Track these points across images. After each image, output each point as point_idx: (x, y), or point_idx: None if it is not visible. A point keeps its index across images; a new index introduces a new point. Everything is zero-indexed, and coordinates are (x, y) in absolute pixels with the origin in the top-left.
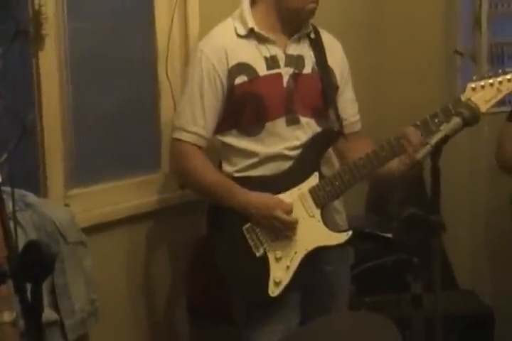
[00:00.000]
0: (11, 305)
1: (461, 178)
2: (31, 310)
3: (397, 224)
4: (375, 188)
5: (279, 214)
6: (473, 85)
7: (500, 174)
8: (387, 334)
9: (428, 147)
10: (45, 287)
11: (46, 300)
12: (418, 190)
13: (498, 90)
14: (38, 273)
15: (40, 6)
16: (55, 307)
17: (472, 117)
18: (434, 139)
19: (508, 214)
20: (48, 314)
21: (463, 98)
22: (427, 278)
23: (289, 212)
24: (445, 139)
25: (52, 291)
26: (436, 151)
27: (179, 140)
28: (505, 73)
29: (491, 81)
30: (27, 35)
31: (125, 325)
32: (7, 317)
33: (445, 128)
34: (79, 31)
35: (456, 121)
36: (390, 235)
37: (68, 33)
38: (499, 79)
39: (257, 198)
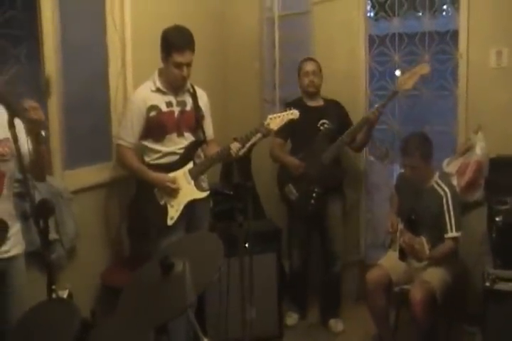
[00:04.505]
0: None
1: (263, 163)
2: (43, 233)
3: (233, 187)
4: (224, 168)
5: (168, 184)
6: (270, 116)
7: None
8: (216, 243)
9: (244, 149)
10: (52, 222)
11: (52, 228)
12: (245, 167)
13: (282, 120)
14: (46, 214)
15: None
16: (57, 232)
17: (266, 133)
18: (248, 144)
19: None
20: (53, 235)
21: (264, 123)
22: (246, 214)
23: (174, 182)
24: (253, 145)
25: (56, 224)
26: (248, 151)
27: (120, 145)
28: (286, 111)
29: (279, 115)
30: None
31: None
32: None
33: (253, 139)
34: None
35: (258, 135)
36: (230, 192)
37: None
38: (283, 114)
39: (157, 177)
